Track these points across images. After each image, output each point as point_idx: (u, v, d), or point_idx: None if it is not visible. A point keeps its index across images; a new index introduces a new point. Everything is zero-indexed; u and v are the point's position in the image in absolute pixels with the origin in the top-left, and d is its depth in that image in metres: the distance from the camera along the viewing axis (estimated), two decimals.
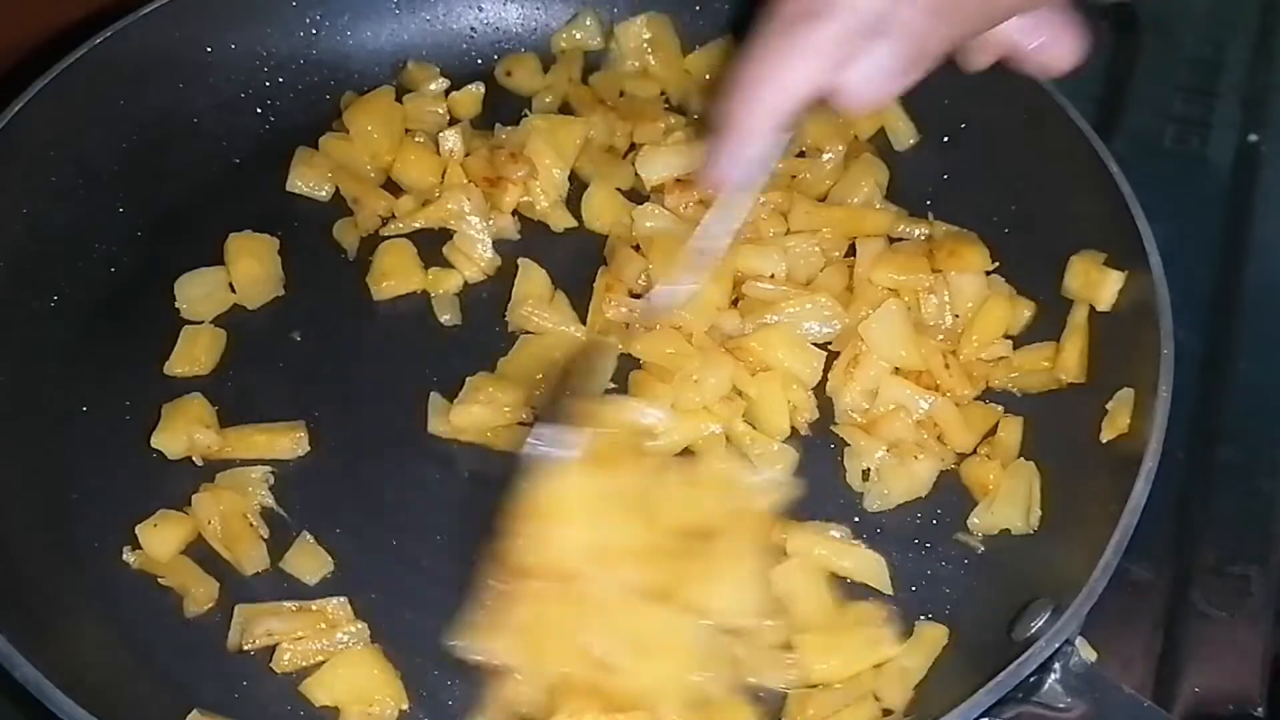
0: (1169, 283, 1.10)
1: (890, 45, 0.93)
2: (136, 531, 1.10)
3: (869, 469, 1.15)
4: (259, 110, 1.39)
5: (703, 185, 1.04)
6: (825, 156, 1.31)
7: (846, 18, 0.92)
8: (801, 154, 1.33)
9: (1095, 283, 1.16)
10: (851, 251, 1.25)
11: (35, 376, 1.19)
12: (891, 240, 1.26)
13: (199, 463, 1.16)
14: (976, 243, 1.24)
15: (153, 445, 1.16)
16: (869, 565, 1.09)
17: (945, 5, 0.94)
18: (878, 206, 1.29)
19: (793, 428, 1.17)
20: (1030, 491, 1.12)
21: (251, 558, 1.10)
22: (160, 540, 1.10)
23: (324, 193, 1.34)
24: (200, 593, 1.09)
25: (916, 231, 1.27)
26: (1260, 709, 1.08)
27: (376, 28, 1.42)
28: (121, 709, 0.98)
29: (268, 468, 1.15)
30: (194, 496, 1.12)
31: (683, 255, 1.12)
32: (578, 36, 1.43)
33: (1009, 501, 1.11)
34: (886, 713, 1.02)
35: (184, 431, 1.15)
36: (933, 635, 1.06)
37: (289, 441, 1.17)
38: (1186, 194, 1.39)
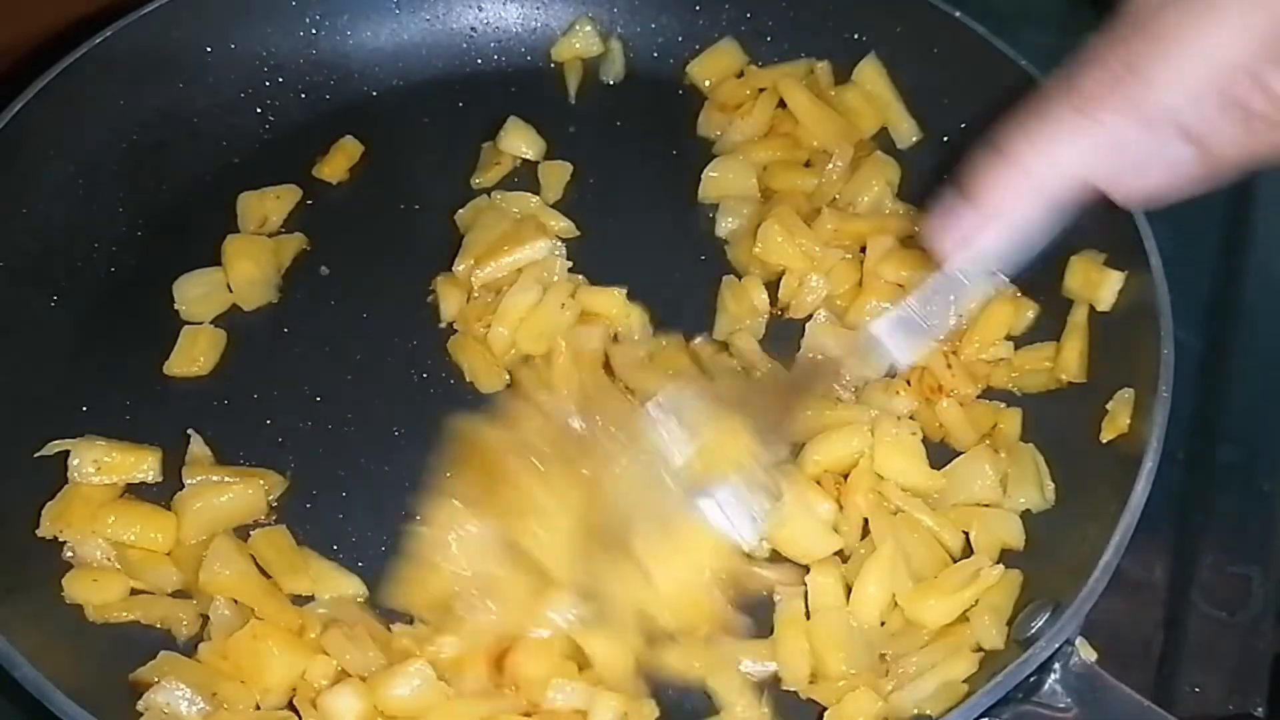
0: (1169, 283, 1.10)
1: (1195, 151, 0.84)
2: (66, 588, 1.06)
3: None
4: (259, 110, 1.39)
5: (931, 249, 0.93)
6: (830, 165, 1.30)
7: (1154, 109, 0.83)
8: (808, 164, 1.33)
9: (1095, 283, 1.16)
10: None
11: (35, 376, 1.19)
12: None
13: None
14: None
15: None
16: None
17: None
18: (890, 205, 1.29)
19: None
20: (1037, 468, 1.12)
21: None
22: (100, 592, 1.06)
23: None
24: (186, 620, 1.06)
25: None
26: (1260, 709, 1.08)
27: (376, 28, 1.42)
28: (122, 710, 0.98)
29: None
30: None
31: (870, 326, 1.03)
32: (577, 46, 1.43)
33: (1021, 482, 1.11)
34: (987, 655, 1.01)
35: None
36: (1010, 577, 1.05)
37: (259, 491, 1.12)
38: None
